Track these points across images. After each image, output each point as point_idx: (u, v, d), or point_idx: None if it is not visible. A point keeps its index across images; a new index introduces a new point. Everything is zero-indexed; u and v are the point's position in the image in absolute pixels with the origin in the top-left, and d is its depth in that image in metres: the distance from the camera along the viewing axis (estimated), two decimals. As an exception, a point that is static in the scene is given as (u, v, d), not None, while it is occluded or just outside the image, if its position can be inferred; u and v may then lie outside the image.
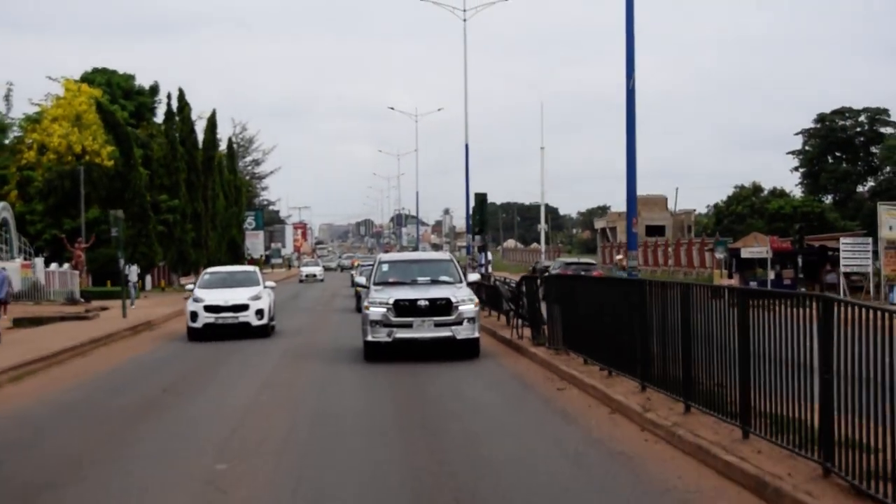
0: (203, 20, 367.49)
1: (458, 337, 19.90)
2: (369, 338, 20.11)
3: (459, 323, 19.87)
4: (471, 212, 45.77)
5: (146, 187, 54.29)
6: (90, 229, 50.40)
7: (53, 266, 44.33)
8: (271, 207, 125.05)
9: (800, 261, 42.90)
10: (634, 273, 22.64)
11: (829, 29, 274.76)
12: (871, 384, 7.63)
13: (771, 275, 43.69)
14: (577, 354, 17.81)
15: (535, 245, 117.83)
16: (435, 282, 21.55)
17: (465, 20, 54.67)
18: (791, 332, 9.06)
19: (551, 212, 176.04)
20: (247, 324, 25.82)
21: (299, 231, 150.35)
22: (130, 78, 69.04)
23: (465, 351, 20.26)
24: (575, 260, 57.06)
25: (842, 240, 39.96)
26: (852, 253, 38.67)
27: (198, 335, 25.72)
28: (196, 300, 26.22)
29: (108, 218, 49.82)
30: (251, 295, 26.40)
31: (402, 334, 19.84)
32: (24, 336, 26.23)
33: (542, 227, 73.60)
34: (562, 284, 20.75)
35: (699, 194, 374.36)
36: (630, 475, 9.74)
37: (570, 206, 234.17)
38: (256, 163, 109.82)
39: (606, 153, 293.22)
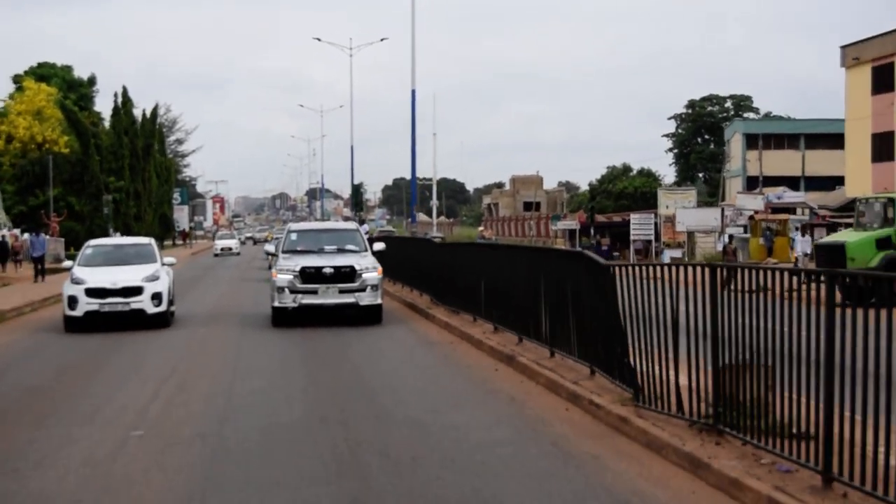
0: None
1: (362, 303, 21.73)
2: (276, 303, 21.87)
3: (363, 290, 21.67)
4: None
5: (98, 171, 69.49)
6: (55, 205, 65.36)
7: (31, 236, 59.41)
8: (192, 182, 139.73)
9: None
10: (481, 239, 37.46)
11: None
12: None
13: (593, 242, 60.50)
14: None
15: (422, 217, 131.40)
16: (341, 250, 23.15)
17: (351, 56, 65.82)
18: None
19: (458, 186, 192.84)
20: (141, 311, 21.80)
21: (217, 204, 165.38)
22: (70, 70, 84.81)
23: (369, 316, 22.11)
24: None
25: (632, 216, 56.94)
26: (639, 226, 55.46)
27: (77, 325, 21.70)
28: (75, 281, 22.06)
29: (66, 196, 66.22)
30: (146, 275, 22.31)
31: (307, 300, 21.58)
32: None
33: (434, 203, 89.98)
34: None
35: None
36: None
37: (488, 178, 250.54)
38: (179, 142, 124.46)
39: (527, 125, 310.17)
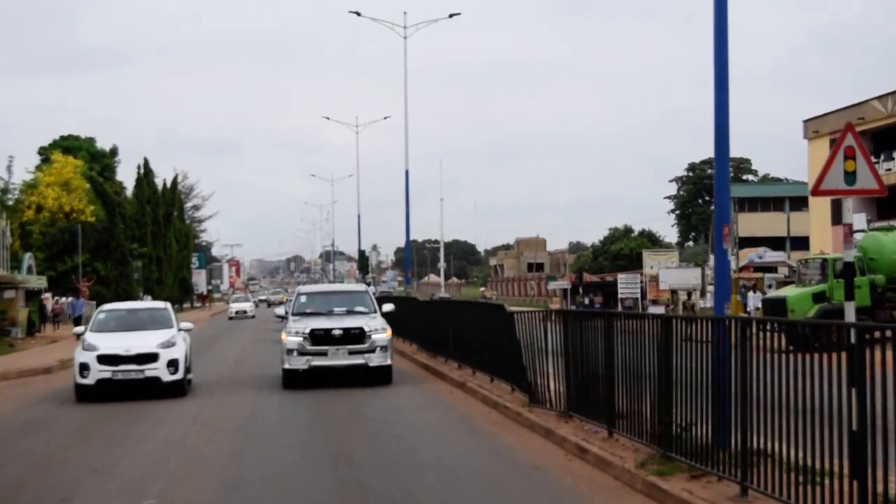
0: (124, 56, 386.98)
1: (371, 364, 22.12)
2: (286, 366, 22.23)
3: (372, 350, 22.10)
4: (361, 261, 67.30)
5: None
6: (83, 270, 71.01)
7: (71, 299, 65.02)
8: (209, 247, 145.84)
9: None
10: (485, 299, 43.10)
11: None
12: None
13: (586, 300, 65.77)
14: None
15: (433, 278, 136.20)
16: (350, 312, 23.54)
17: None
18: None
19: (469, 248, 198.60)
20: (156, 379, 21.13)
21: (233, 268, 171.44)
22: (93, 141, 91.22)
23: (378, 377, 22.43)
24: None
25: (619, 276, 62.28)
26: (626, 285, 60.74)
27: (89, 394, 21.10)
28: (87, 348, 21.42)
29: (92, 262, 71.99)
30: (162, 341, 21.63)
31: (317, 362, 21.99)
32: None
33: (441, 265, 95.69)
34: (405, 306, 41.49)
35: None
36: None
37: (499, 239, 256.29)
38: (196, 208, 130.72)
39: (536, 186, 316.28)
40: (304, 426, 16.72)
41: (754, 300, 45.39)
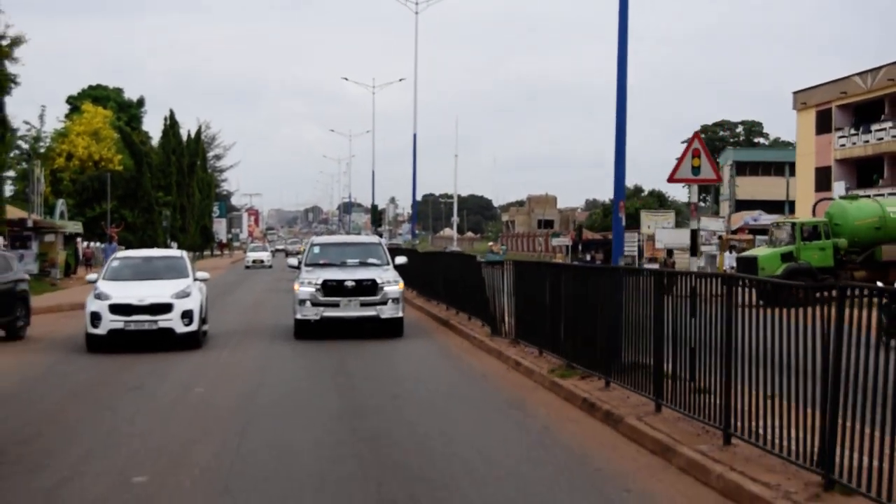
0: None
1: (383, 316, 22.50)
2: (298, 316, 22.62)
3: (384, 303, 22.46)
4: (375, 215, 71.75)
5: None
6: (111, 217, 75.75)
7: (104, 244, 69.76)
8: (229, 196, 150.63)
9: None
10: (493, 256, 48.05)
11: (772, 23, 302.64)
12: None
13: (588, 257, 70.21)
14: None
15: (447, 232, 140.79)
16: (363, 264, 23.88)
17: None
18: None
19: (486, 203, 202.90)
20: (169, 330, 20.82)
21: (252, 217, 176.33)
22: (121, 92, 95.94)
23: (390, 329, 22.87)
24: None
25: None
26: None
27: (100, 344, 20.76)
28: (99, 296, 21.09)
29: (120, 209, 76.67)
30: (177, 290, 21.31)
31: (329, 313, 22.38)
32: None
33: (454, 220, 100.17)
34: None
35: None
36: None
37: (519, 193, 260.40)
38: (218, 157, 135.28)
39: (555, 142, 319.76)
40: (315, 352, 20.48)
41: (730, 259, 49.71)
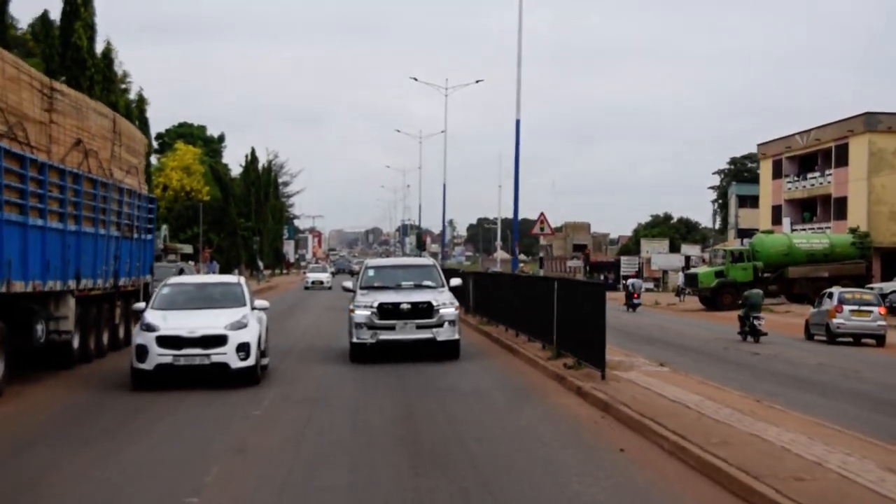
0: (213, 24, 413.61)
1: (439, 339, 23.27)
2: (354, 339, 23.37)
3: (440, 325, 23.26)
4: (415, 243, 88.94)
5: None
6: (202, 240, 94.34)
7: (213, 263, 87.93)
8: (295, 219, 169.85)
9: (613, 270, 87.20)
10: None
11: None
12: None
13: (602, 276, 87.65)
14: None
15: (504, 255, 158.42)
16: (418, 286, 24.74)
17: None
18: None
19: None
20: (224, 365, 19.08)
21: (315, 238, 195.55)
22: (204, 129, 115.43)
23: (446, 352, 23.65)
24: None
25: (622, 258, 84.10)
26: (627, 264, 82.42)
27: (147, 380, 19.03)
28: (146, 328, 19.33)
29: (207, 234, 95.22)
30: (232, 321, 19.57)
31: (385, 336, 23.14)
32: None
33: (498, 243, 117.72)
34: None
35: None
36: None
37: (574, 217, 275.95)
38: (285, 184, 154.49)
39: (615, 165, 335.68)
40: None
41: (681, 276, 67.20)
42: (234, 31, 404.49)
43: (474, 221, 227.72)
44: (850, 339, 34.76)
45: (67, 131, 21.13)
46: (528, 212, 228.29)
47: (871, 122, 63.86)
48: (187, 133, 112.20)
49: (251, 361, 19.34)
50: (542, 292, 24.86)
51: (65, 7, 42.84)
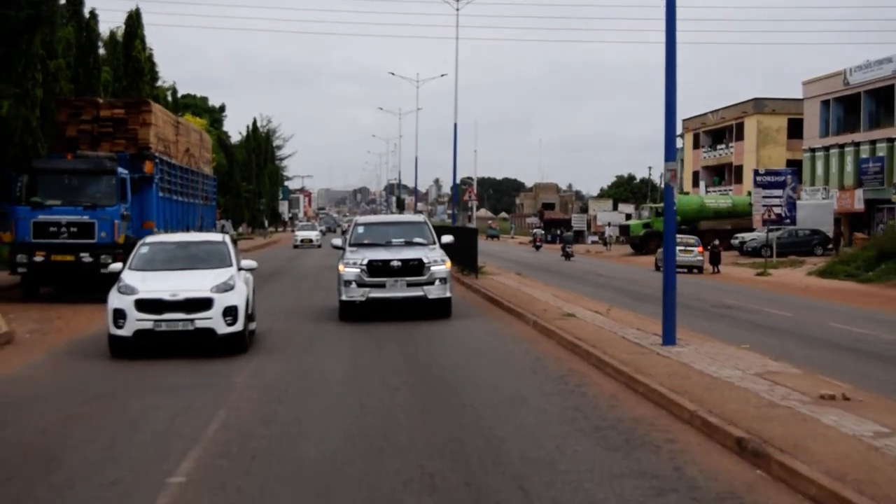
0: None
1: (430, 296, 23.41)
2: (344, 297, 23.47)
3: (431, 283, 23.42)
4: (396, 205, 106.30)
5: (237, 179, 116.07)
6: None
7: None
8: (288, 180, 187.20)
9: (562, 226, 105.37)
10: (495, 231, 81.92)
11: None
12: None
13: (559, 231, 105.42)
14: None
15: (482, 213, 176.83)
16: (409, 243, 24.80)
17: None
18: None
19: (518, 185, 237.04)
20: (209, 331, 18.02)
21: (306, 198, 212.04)
22: (206, 100, 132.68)
23: (437, 310, 23.79)
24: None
25: (573, 215, 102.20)
26: (577, 221, 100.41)
27: (124, 348, 18.06)
28: (124, 290, 18.16)
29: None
30: (218, 283, 18.48)
31: (375, 294, 23.26)
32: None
33: (473, 202, 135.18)
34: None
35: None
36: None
37: (565, 177, 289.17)
38: (278, 147, 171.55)
39: (602, 122, 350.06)
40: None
41: (608, 229, 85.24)
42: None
43: (459, 180, 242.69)
44: (684, 270, 51.91)
45: (181, 144, 38.12)
46: (513, 171, 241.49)
47: (759, 105, 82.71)
48: (190, 103, 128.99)
49: (239, 326, 18.30)
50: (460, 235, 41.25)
51: (126, 29, 60.02)
